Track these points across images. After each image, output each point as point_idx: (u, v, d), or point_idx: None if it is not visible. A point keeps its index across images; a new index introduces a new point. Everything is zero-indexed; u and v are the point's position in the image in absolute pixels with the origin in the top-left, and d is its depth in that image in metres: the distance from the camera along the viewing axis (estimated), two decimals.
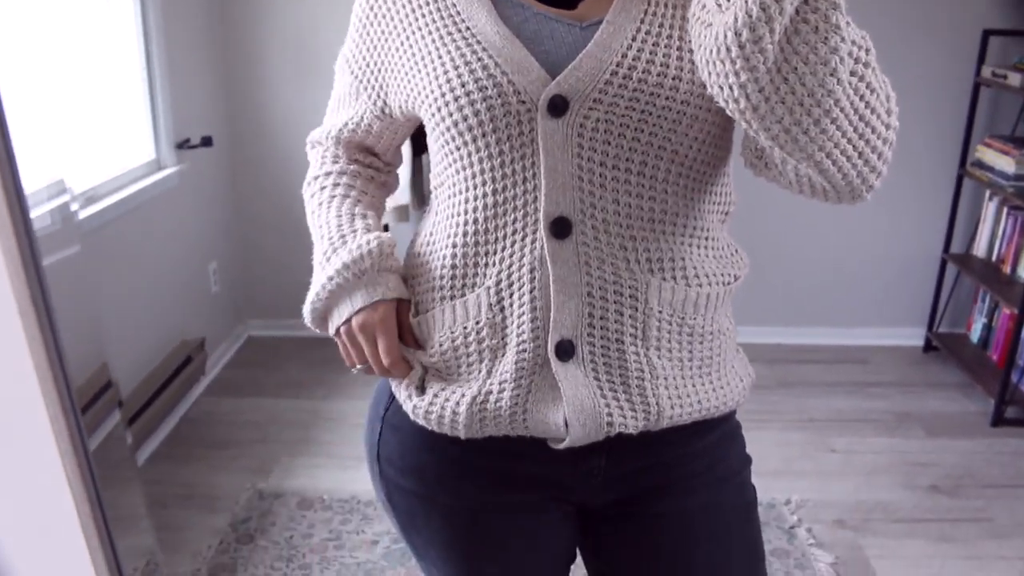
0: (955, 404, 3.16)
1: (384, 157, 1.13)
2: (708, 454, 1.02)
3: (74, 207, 2.19)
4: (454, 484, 1.00)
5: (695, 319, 0.95)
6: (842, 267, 3.52)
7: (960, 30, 3.22)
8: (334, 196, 1.07)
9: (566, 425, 0.92)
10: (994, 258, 3.28)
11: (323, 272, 1.00)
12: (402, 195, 2.77)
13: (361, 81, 1.03)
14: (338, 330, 1.01)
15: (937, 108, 3.31)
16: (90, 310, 2.18)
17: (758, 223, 3.13)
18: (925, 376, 3.38)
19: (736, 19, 0.72)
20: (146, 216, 2.76)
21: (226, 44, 3.30)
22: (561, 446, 0.93)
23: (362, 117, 1.06)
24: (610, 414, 0.92)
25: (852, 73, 0.76)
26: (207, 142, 3.08)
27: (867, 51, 0.78)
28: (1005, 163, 3.02)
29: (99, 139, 2.62)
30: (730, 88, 0.76)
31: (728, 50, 0.73)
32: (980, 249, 3.36)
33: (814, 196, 0.89)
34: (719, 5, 0.75)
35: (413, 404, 0.98)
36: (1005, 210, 3.21)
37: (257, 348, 3.56)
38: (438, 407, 0.96)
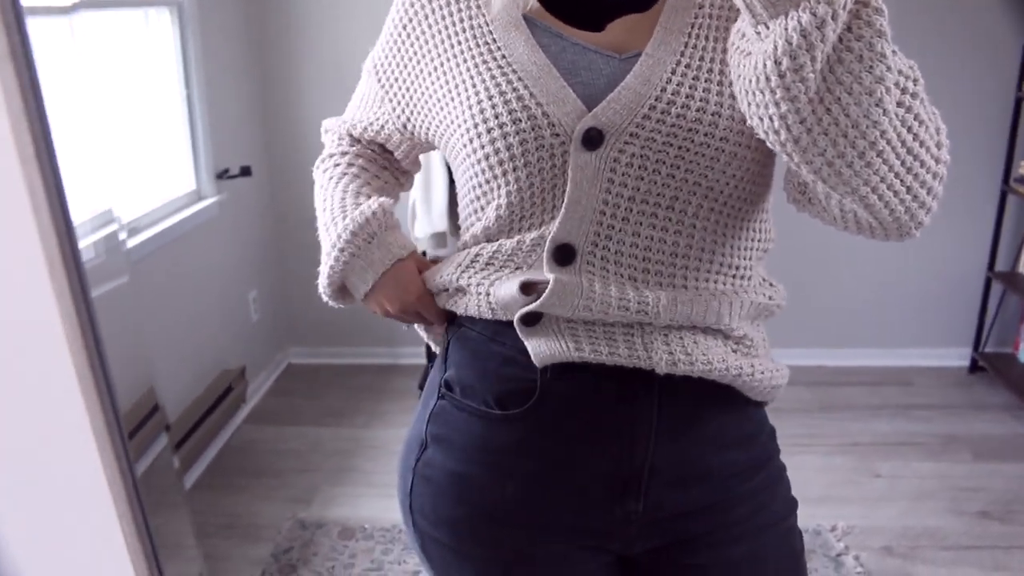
0: (1003, 426, 3.08)
1: (401, 163, 1.12)
2: (751, 499, 0.97)
3: (122, 236, 2.23)
4: (488, 536, 0.97)
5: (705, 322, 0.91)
6: (884, 286, 3.48)
7: (1001, 45, 3.18)
8: (344, 175, 1.06)
9: None
10: None
11: (331, 244, 1.00)
12: (440, 221, 2.78)
13: (388, 92, 1.02)
14: (366, 296, 1.01)
15: (979, 124, 3.27)
16: (137, 337, 2.21)
17: (798, 243, 3.10)
18: (971, 398, 3.31)
19: (776, 47, 0.69)
20: (187, 246, 2.80)
21: (264, 74, 3.36)
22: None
23: (383, 126, 1.04)
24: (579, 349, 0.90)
25: (899, 104, 0.74)
26: (246, 172, 3.13)
27: (915, 81, 0.75)
28: None
29: (142, 170, 2.67)
30: (770, 119, 0.73)
31: (768, 79, 0.71)
32: None
33: (860, 232, 0.86)
34: (758, 33, 0.72)
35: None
36: None
37: (297, 376, 3.59)
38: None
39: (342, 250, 0.99)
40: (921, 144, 0.77)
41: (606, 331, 0.89)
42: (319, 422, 3.18)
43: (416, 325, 1.06)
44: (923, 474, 2.78)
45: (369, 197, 1.03)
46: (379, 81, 1.03)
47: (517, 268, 0.91)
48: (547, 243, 0.88)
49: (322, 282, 1.02)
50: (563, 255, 0.87)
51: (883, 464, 2.84)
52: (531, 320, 0.89)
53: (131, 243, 2.44)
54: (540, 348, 0.89)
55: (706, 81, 0.85)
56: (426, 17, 0.97)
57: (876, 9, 0.70)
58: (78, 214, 1.99)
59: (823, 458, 2.86)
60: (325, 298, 1.04)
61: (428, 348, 3.35)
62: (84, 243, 1.84)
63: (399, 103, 1.00)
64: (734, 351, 0.94)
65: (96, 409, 0.48)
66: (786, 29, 0.68)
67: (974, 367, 3.50)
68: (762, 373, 0.95)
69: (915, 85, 0.75)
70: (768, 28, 0.70)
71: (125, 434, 0.50)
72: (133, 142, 2.63)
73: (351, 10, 3.23)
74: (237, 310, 3.25)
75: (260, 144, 3.40)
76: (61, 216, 0.54)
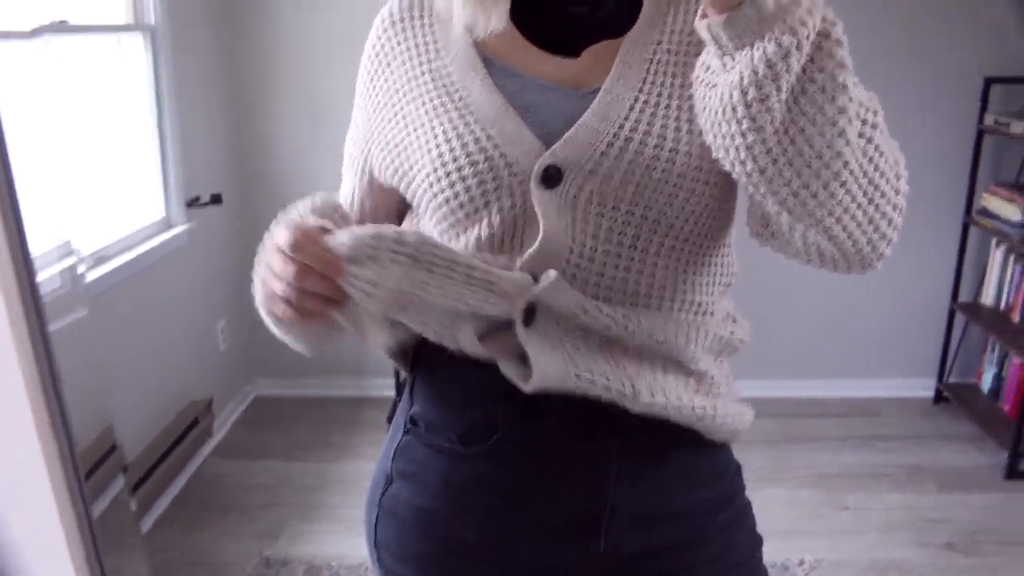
0: (967, 457, 3.12)
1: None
2: (719, 538, 0.96)
3: (81, 269, 2.21)
4: (452, 571, 0.96)
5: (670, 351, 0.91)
6: (849, 317, 3.51)
7: (963, 78, 3.25)
8: None
9: None
10: (1002, 307, 3.27)
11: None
12: None
13: (353, 156, 1.02)
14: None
15: (941, 156, 3.33)
16: (97, 372, 2.18)
17: (763, 273, 3.13)
18: (936, 428, 3.34)
19: (743, 77, 0.70)
20: (155, 275, 2.78)
21: (237, 101, 3.36)
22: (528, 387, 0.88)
23: (352, 193, 1.03)
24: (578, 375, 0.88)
25: (860, 135, 0.75)
26: (217, 200, 3.11)
27: (875, 113, 0.77)
28: (1011, 211, 3.02)
29: (110, 197, 2.65)
30: (736, 150, 0.74)
31: (734, 110, 0.72)
32: (988, 297, 3.34)
33: (823, 265, 0.86)
34: (724, 65, 0.73)
35: None
36: (1012, 258, 3.21)
37: (265, 408, 3.55)
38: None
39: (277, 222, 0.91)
40: (882, 175, 0.78)
41: (591, 352, 0.88)
42: (287, 455, 3.15)
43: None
44: (890, 506, 2.80)
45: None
46: (354, 143, 1.02)
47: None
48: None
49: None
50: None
51: (850, 496, 2.85)
52: (528, 318, 0.87)
53: (98, 272, 2.42)
54: (540, 359, 0.87)
55: (664, 117, 0.85)
56: (388, 64, 0.97)
57: (837, 41, 0.71)
58: (37, 245, 1.97)
59: (790, 491, 2.87)
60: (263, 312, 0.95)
61: (397, 379, 3.33)
62: (43, 275, 1.82)
63: (364, 145, 1.00)
64: (696, 391, 0.94)
65: (51, 448, 0.47)
66: (752, 60, 0.70)
67: (939, 397, 3.54)
68: (724, 416, 0.95)
69: (875, 116, 0.77)
70: (734, 59, 0.72)
71: (81, 474, 0.49)
72: (102, 169, 2.61)
73: (325, 38, 3.24)
74: (205, 340, 3.21)
75: (232, 172, 3.39)
76: (19, 247, 0.53)
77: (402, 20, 0.98)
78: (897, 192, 0.81)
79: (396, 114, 0.94)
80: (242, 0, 3.26)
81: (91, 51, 2.58)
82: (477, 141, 0.87)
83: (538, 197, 0.85)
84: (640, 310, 0.89)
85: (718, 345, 0.96)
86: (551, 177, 0.85)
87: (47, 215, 2.23)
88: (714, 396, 0.96)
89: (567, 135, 0.85)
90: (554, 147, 0.85)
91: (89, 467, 1.71)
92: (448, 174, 0.87)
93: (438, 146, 0.88)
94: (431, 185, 0.89)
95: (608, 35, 0.90)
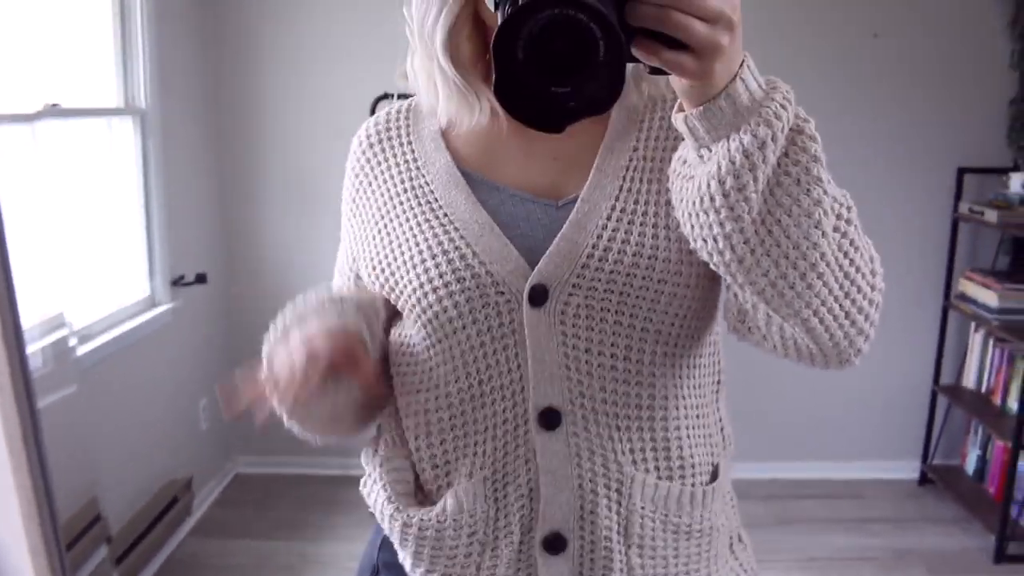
0: (954, 540, 3.09)
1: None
2: None
3: (72, 342, 2.20)
4: None
5: (680, 516, 0.91)
6: (834, 400, 3.52)
7: (936, 168, 3.34)
8: None
9: None
10: (983, 389, 3.29)
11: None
12: None
13: (346, 278, 1.02)
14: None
15: (919, 243, 3.39)
16: (84, 445, 2.16)
17: (748, 357, 3.14)
18: (922, 511, 3.32)
19: (720, 167, 0.71)
20: (139, 353, 2.76)
21: (223, 182, 3.40)
22: None
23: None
24: None
25: (835, 229, 0.76)
26: (201, 279, 3.12)
27: (849, 208, 0.78)
28: (988, 296, 3.07)
29: (96, 276, 2.65)
30: (714, 240, 0.74)
31: (712, 199, 0.72)
32: (969, 380, 3.37)
33: (800, 360, 0.87)
34: (701, 156, 0.74)
35: None
36: (991, 342, 3.24)
37: (245, 486, 3.50)
38: None
39: (304, 296, 0.94)
40: (857, 269, 0.79)
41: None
42: (267, 535, 3.09)
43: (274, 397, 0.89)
44: None
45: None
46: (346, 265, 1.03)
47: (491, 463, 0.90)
48: (531, 410, 0.87)
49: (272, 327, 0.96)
50: (549, 419, 0.87)
51: None
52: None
53: (83, 349, 2.41)
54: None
55: (641, 224, 0.86)
56: (369, 184, 0.98)
57: (810, 136, 0.73)
58: (28, 318, 1.96)
59: (782, 574, 2.83)
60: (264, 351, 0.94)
61: None
62: (33, 348, 1.81)
63: (352, 264, 1.01)
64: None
65: (33, 518, 0.47)
66: (729, 150, 0.71)
67: (923, 479, 3.52)
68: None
69: (849, 212, 0.78)
70: (711, 151, 0.73)
71: (62, 544, 0.49)
72: (89, 248, 2.62)
73: (312, 121, 3.30)
74: (186, 418, 3.18)
75: (217, 251, 3.41)
76: (11, 322, 0.54)
77: (380, 141, 0.99)
78: (873, 288, 0.82)
79: (380, 231, 0.95)
80: (230, 84, 3.33)
81: (83, 134, 2.62)
82: (463, 257, 0.87)
83: (527, 318, 0.86)
84: (638, 466, 0.89)
85: (708, 462, 0.96)
86: (537, 296, 0.86)
87: (37, 291, 2.23)
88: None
89: (549, 251, 0.86)
90: (538, 266, 0.86)
91: (72, 537, 1.68)
92: (435, 288, 0.88)
93: (423, 261, 0.89)
94: (419, 300, 0.89)
95: (592, 112, 0.92)
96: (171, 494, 2.91)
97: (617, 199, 0.88)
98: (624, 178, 0.89)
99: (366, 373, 0.87)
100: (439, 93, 0.90)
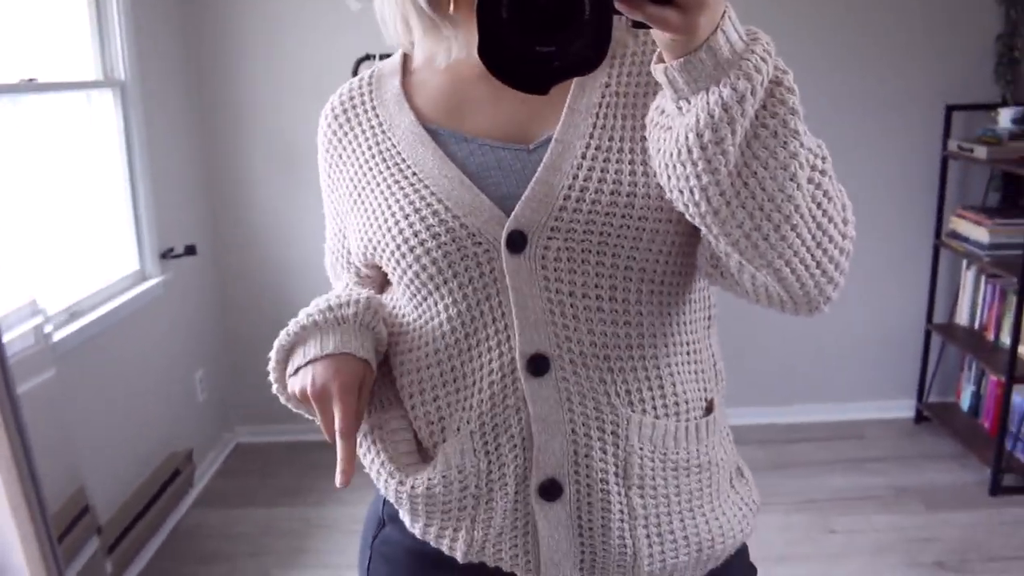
0: (952, 475, 3.13)
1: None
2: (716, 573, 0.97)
3: (48, 328, 2.18)
4: None
5: (678, 453, 0.91)
6: (829, 343, 3.54)
7: (925, 106, 3.32)
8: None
9: (537, 570, 0.90)
10: (977, 326, 3.30)
11: (304, 311, 0.96)
12: None
13: (335, 253, 1.05)
14: (297, 370, 0.93)
15: (909, 182, 3.39)
16: (66, 433, 2.14)
17: (740, 303, 3.16)
18: (920, 448, 3.36)
19: (699, 120, 0.71)
20: (130, 328, 2.75)
21: (209, 152, 3.36)
22: None
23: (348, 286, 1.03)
24: (582, 560, 0.90)
25: (810, 181, 0.76)
26: (191, 251, 3.10)
27: (824, 159, 0.77)
28: (979, 233, 3.07)
29: (82, 253, 2.63)
30: (691, 191, 0.74)
31: (690, 151, 0.72)
32: (962, 317, 3.38)
33: (771, 306, 0.87)
34: (679, 108, 0.73)
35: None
36: (983, 278, 3.25)
37: (246, 455, 3.51)
38: (432, 540, 0.94)
39: (309, 315, 0.95)
40: (830, 220, 0.79)
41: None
42: (270, 503, 3.11)
43: (317, 420, 0.94)
44: (878, 527, 2.80)
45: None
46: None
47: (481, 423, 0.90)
48: (517, 358, 0.87)
49: (276, 343, 0.97)
50: (536, 365, 0.87)
51: (839, 519, 2.85)
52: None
53: (72, 327, 2.39)
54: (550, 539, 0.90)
55: (617, 162, 0.85)
56: (339, 156, 0.99)
57: (788, 88, 0.72)
58: (4, 305, 1.94)
59: (781, 517, 2.87)
60: (271, 364, 0.97)
61: None
62: (9, 336, 1.79)
63: (343, 239, 1.02)
64: (707, 523, 0.94)
65: (23, 513, 0.47)
66: (708, 103, 0.70)
67: (919, 417, 3.56)
68: (738, 531, 0.97)
69: (824, 163, 0.77)
70: (690, 103, 0.72)
71: (55, 538, 0.48)
72: (73, 225, 2.60)
73: (296, 86, 3.26)
74: (183, 391, 3.18)
75: (205, 222, 3.38)
76: None
77: (344, 112, 1.00)
78: (844, 237, 0.82)
79: (356, 202, 0.95)
80: (210, 51, 3.27)
81: (61, 108, 2.58)
82: (436, 213, 0.87)
83: (508, 266, 0.85)
84: (635, 407, 0.89)
85: (703, 397, 0.96)
86: (515, 243, 0.85)
87: (14, 275, 2.21)
88: (721, 516, 0.96)
89: (524, 195, 0.85)
90: (514, 212, 0.85)
91: (62, 530, 1.67)
92: (412, 248, 0.88)
93: (397, 223, 0.89)
94: (398, 262, 0.89)
95: (578, 73, 0.90)
96: (172, 467, 2.92)
97: (591, 137, 0.86)
98: (598, 115, 0.87)
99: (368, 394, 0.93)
100: (412, 31, 0.90)
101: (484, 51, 0.68)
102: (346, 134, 0.98)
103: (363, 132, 0.97)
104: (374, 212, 0.92)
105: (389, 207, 0.90)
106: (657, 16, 0.65)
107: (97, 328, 2.51)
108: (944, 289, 3.49)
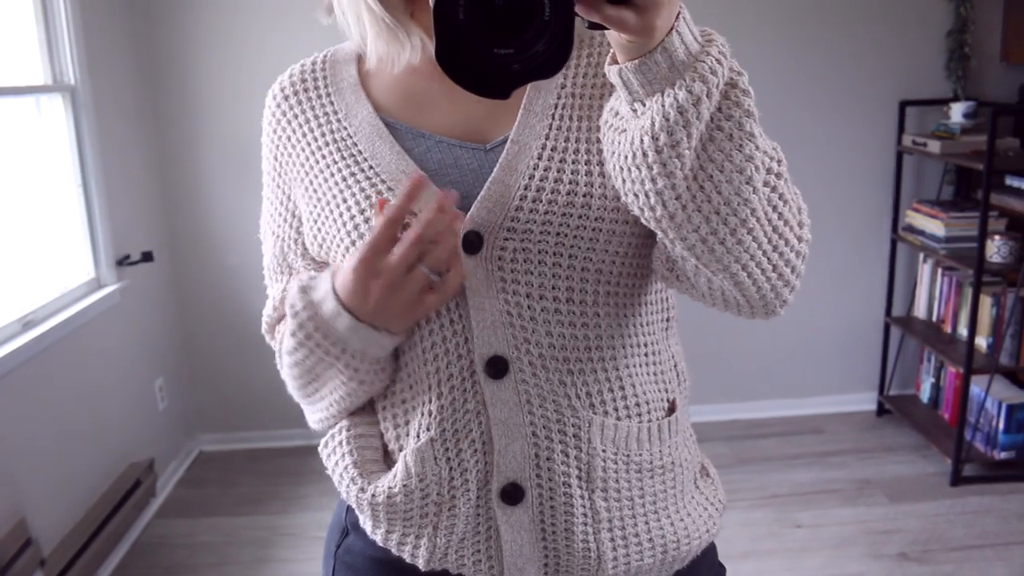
0: (913, 467, 3.17)
1: None
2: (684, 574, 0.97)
3: None
4: None
5: (641, 454, 0.90)
6: (790, 338, 3.57)
7: (878, 102, 3.36)
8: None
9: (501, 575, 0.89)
10: (935, 318, 3.35)
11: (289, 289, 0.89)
12: None
13: (284, 240, 0.99)
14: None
15: (865, 177, 3.43)
16: (3, 466, 2.06)
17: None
18: (881, 440, 3.40)
19: (654, 123, 0.70)
20: (87, 337, 2.70)
21: (163, 157, 3.31)
22: None
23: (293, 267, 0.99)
24: (546, 564, 0.89)
25: (765, 184, 0.75)
26: (148, 257, 3.05)
27: (779, 162, 0.77)
28: (935, 226, 3.11)
29: (34, 261, 2.58)
30: (646, 195, 0.73)
31: (645, 154, 0.71)
32: (920, 310, 3.43)
33: (727, 309, 0.86)
34: (634, 111, 0.72)
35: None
36: (940, 271, 3.30)
37: (209, 464, 3.47)
38: (394, 548, 0.93)
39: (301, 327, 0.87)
40: (786, 223, 0.79)
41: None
42: (234, 511, 3.07)
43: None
44: (842, 520, 2.83)
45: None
46: (273, 233, 1.00)
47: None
48: (476, 360, 0.85)
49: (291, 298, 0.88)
50: (495, 368, 0.85)
51: (803, 514, 2.88)
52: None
53: (29, 336, 2.34)
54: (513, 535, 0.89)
55: (573, 163, 0.84)
56: (288, 139, 0.95)
57: (744, 90, 0.72)
58: None
59: (744, 513, 2.89)
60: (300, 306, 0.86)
61: None
62: None
63: (292, 229, 0.97)
64: (671, 524, 0.94)
65: None
66: (663, 106, 0.69)
67: (881, 410, 3.60)
68: (704, 531, 0.96)
69: (779, 165, 0.77)
70: (645, 105, 0.71)
71: None
72: (25, 233, 2.54)
73: (249, 87, 3.21)
74: (143, 400, 3.13)
75: (162, 228, 3.33)
76: None
77: (295, 94, 0.96)
78: (800, 240, 0.81)
79: (306, 189, 0.92)
80: (163, 55, 3.22)
81: (9, 113, 2.52)
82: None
83: (464, 266, 0.83)
84: (596, 409, 0.88)
85: (664, 398, 0.95)
86: (472, 243, 0.83)
87: None
88: (686, 517, 0.96)
89: (480, 196, 0.84)
90: (470, 212, 0.83)
91: (2, 566, 1.60)
92: None
93: (352, 217, 0.86)
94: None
95: (539, 76, 0.89)
96: (133, 477, 2.87)
97: (547, 138, 0.85)
98: (553, 116, 0.86)
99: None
100: (367, 32, 0.88)
101: (441, 54, 0.66)
102: (296, 116, 0.95)
103: (315, 117, 0.94)
104: (328, 204, 0.89)
105: (344, 200, 0.87)
106: (615, 17, 0.65)
107: (52, 338, 2.46)
108: (902, 283, 3.54)
